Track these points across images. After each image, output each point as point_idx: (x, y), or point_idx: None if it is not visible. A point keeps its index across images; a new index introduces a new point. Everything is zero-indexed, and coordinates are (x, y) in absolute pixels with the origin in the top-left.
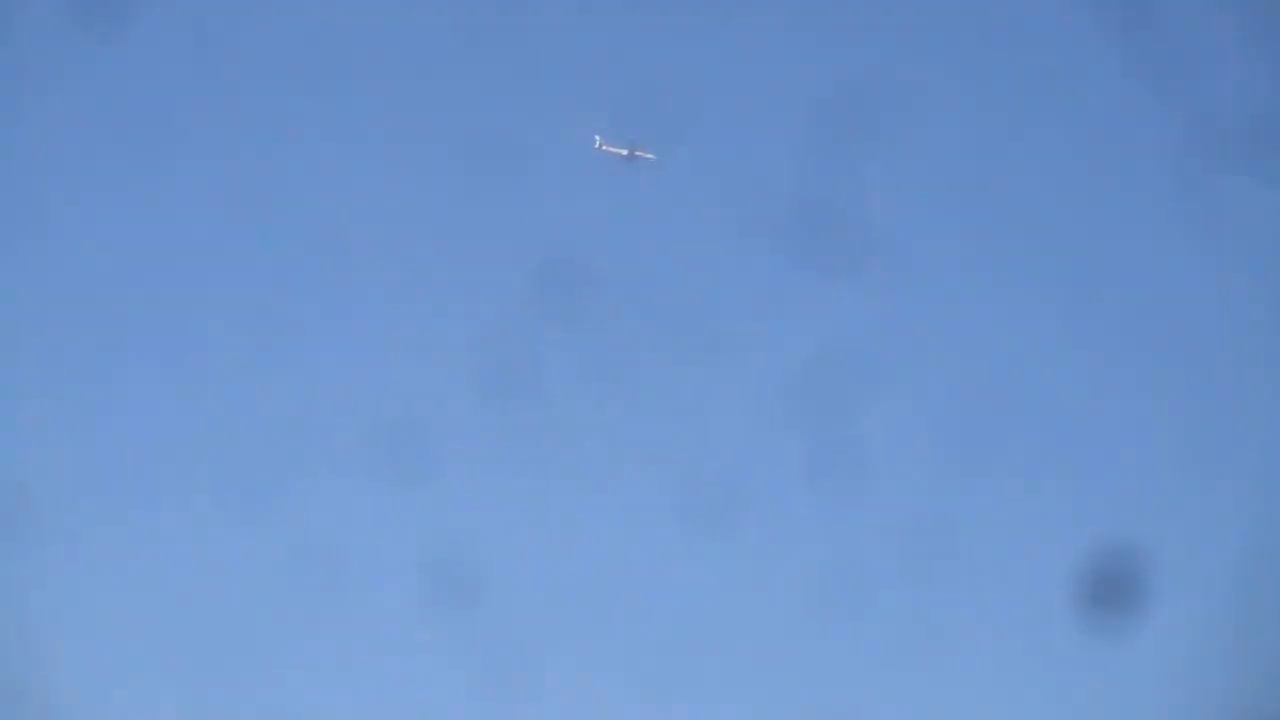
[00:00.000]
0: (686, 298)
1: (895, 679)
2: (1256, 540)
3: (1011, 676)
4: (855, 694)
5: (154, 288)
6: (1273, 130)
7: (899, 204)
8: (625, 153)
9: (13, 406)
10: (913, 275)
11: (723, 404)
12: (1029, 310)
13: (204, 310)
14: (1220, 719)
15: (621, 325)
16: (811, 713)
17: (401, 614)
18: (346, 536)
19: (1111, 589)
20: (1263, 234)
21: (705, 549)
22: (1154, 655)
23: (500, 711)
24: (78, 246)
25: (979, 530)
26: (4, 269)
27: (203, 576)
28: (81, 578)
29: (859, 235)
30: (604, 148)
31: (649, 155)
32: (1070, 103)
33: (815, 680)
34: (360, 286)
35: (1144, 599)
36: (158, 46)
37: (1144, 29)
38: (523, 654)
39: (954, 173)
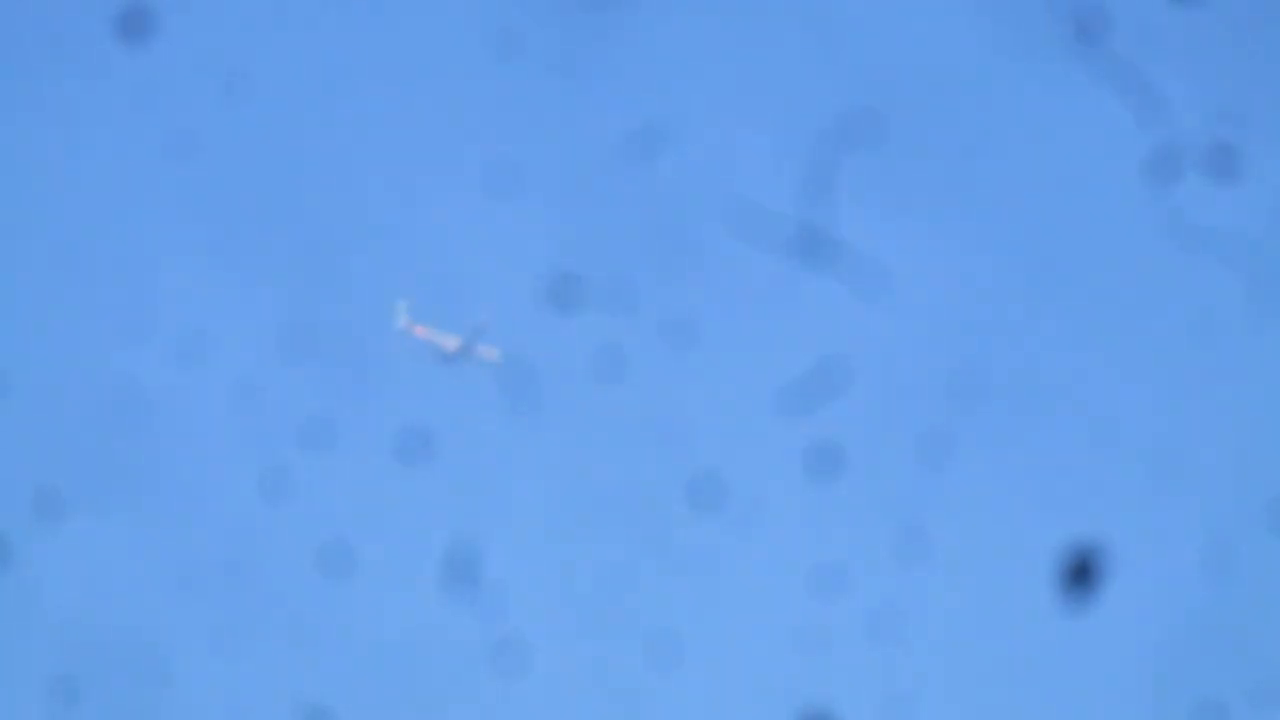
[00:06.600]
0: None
1: (878, 657)
2: (1224, 527)
3: (987, 657)
4: (845, 673)
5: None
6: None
7: (878, 209)
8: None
9: None
10: (893, 276)
11: (718, 397)
12: (1006, 306)
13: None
14: (1188, 698)
15: (620, 321)
16: (803, 689)
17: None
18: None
19: (1083, 574)
20: (1229, 234)
21: (702, 537)
22: (1124, 639)
23: (496, 694)
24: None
25: (957, 516)
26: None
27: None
28: (106, 560)
29: (836, 237)
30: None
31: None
32: (1045, 113)
33: (807, 658)
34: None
35: (1111, 583)
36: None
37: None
38: (522, 639)
39: (930, 177)
